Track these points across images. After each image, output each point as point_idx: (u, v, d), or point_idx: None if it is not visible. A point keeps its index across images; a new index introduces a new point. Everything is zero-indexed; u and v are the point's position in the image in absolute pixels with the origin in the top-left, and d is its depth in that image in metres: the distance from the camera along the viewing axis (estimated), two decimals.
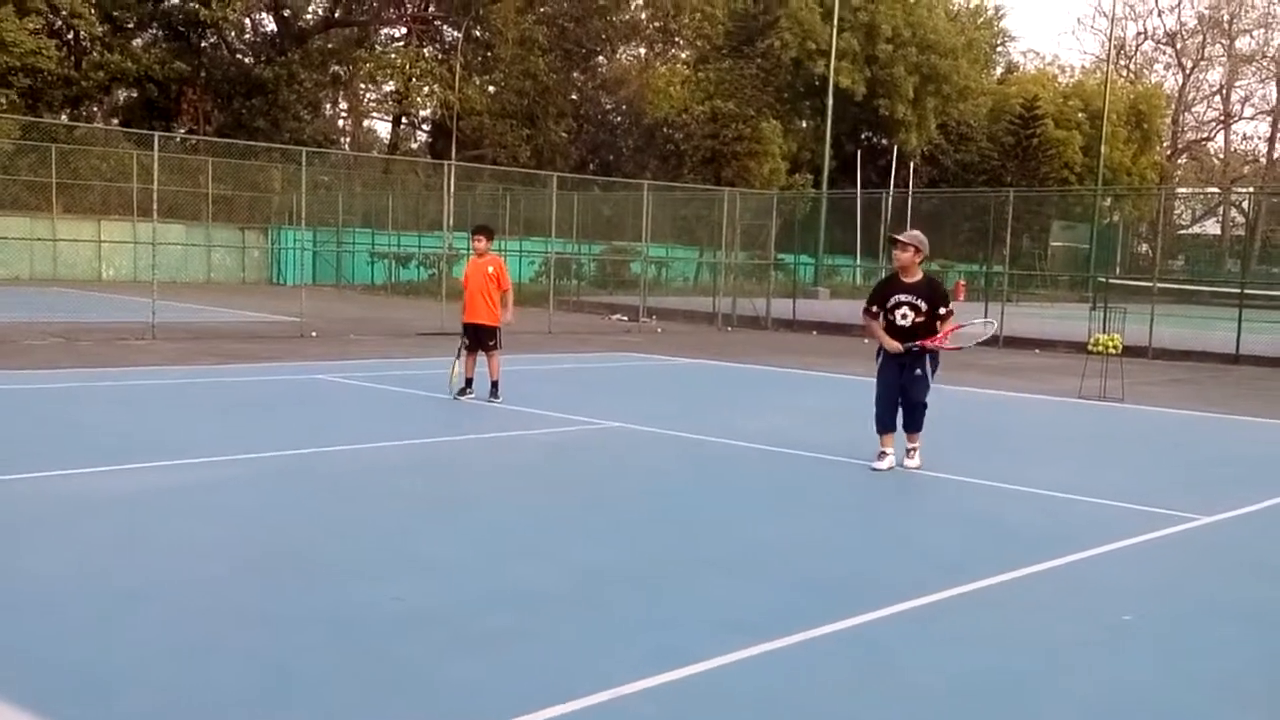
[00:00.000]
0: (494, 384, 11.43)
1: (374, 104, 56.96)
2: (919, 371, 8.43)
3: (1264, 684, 4.51)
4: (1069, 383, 14.74)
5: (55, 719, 3.66)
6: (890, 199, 32.93)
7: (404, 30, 52.99)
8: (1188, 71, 74.91)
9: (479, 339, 11.53)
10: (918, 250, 8.37)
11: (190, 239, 34.10)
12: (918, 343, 8.37)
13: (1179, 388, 15.71)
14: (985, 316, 8.49)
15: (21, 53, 37.07)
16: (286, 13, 47.87)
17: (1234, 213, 59.98)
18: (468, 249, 37.44)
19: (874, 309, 8.62)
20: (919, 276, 8.46)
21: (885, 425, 8.60)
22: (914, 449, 8.56)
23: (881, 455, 8.54)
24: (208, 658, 4.25)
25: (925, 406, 8.53)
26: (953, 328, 8.49)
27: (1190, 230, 60.16)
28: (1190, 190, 67.70)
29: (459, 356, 11.67)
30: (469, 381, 11.52)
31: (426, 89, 49.98)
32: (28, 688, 3.88)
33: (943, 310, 8.36)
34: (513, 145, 47.69)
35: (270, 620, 4.70)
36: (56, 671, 4.06)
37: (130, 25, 44.57)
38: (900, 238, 8.49)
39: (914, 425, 8.58)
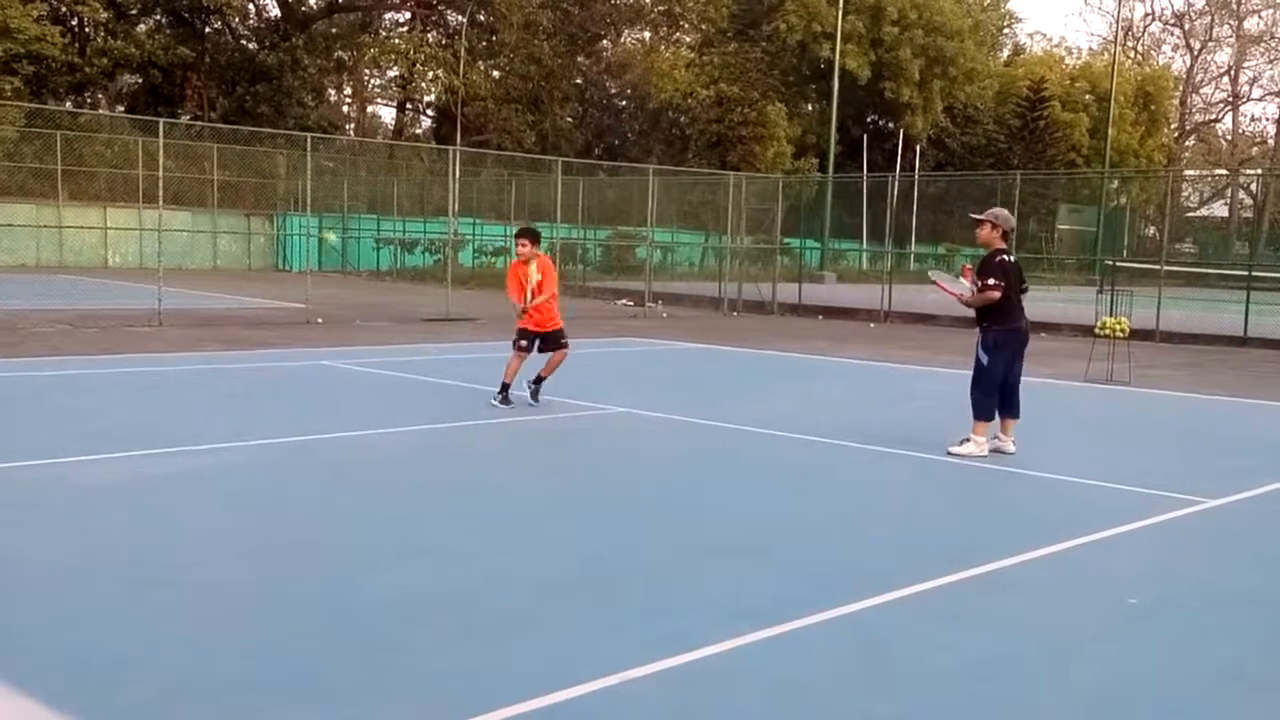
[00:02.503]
0: (540, 379, 10.41)
1: (378, 90, 56.92)
2: (977, 353, 8.59)
3: (1269, 668, 4.50)
4: (1076, 366, 14.71)
5: (58, 704, 3.67)
6: (896, 182, 32.82)
7: (408, 15, 52.84)
8: (1195, 53, 74.47)
9: (548, 343, 10.51)
10: (994, 225, 8.49)
11: (196, 225, 34.11)
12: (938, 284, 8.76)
13: (1186, 371, 15.66)
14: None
15: (26, 39, 37.02)
16: None
17: (1242, 195, 59.69)
18: (473, 234, 37.16)
19: None
20: (987, 251, 8.58)
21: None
22: (966, 438, 8.47)
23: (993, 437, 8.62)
24: (211, 644, 4.25)
25: (977, 389, 8.49)
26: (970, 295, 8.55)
27: (1198, 213, 59.91)
28: (1198, 172, 67.38)
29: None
30: (505, 388, 10.29)
31: (431, 74, 49.88)
32: (31, 673, 3.89)
33: (979, 283, 8.45)
34: (517, 130, 47.61)
35: (274, 607, 4.71)
36: (60, 657, 4.07)
37: (134, 11, 44.50)
38: (976, 215, 8.66)
39: (971, 405, 8.59)
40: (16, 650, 4.14)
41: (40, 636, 4.28)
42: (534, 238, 10.72)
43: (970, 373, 8.76)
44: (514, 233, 10.92)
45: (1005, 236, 8.53)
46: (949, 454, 8.45)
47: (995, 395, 8.49)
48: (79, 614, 4.54)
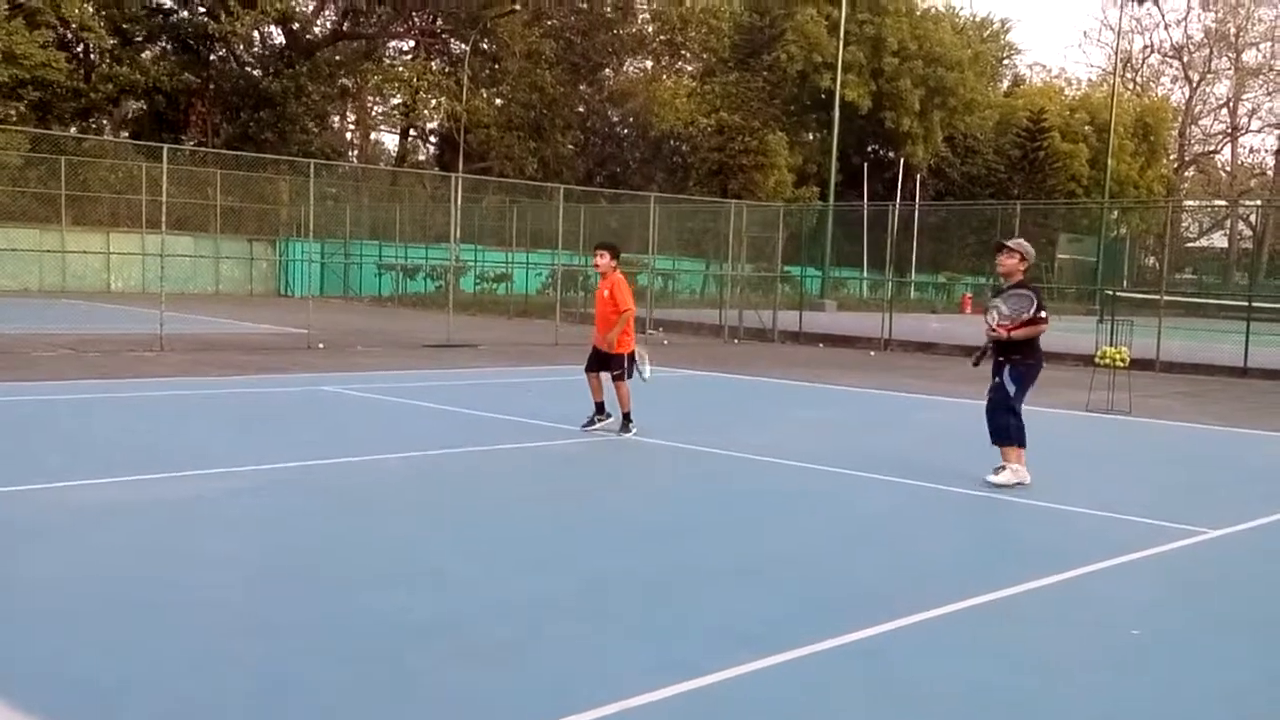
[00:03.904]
0: (624, 415, 10.31)
1: (381, 116, 57.21)
2: (998, 380, 8.48)
3: (1270, 700, 4.49)
4: (1076, 396, 14.72)
5: None
6: (896, 211, 32.91)
7: (412, 43, 53.22)
8: (1194, 84, 74.92)
9: (602, 364, 10.44)
10: (1023, 258, 8.46)
11: (199, 251, 34.21)
12: (989, 338, 8.45)
13: (1186, 401, 15.67)
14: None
15: (31, 65, 37.26)
16: (295, 25, 48.10)
17: (1241, 225, 59.88)
18: (475, 260, 37.32)
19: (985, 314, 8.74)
20: (1015, 281, 8.49)
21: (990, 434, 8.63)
22: (1001, 466, 8.40)
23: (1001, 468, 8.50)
24: (214, 667, 4.26)
25: (1006, 417, 8.37)
26: (1013, 325, 8.31)
27: (1197, 243, 60.09)
28: (1197, 203, 67.62)
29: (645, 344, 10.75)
30: (599, 406, 10.46)
31: (434, 101, 50.16)
32: (35, 696, 3.89)
33: (1025, 316, 8.24)
34: (519, 158, 47.83)
35: (277, 631, 4.71)
36: (64, 680, 4.07)
37: (139, 38, 44.81)
38: (1006, 243, 8.58)
39: (993, 436, 8.49)
40: (20, 673, 4.13)
41: (43, 659, 4.28)
42: (612, 251, 10.52)
43: (982, 402, 8.71)
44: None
45: (1025, 270, 8.57)
46: (986, 482, 8.33)
47: (1020, 417, 8.48)
48: (83, 637, 4.54)
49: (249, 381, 13.64)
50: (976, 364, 8.86)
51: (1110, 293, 28.91)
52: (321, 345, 18.54)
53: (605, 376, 10.44)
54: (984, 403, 8.65)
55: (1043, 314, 8.27)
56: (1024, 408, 8.61)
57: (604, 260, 10.40)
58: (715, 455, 9.60)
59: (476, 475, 8.58)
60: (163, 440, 9.37)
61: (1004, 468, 8.39)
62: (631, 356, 10.46)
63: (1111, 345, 14.95)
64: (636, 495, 8.20)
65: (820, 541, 6.83)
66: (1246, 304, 24.27)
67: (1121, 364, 14.09)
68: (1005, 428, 8.42)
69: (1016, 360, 8.43)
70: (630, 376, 10.44)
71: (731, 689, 4.23)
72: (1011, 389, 8.41)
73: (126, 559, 5.75)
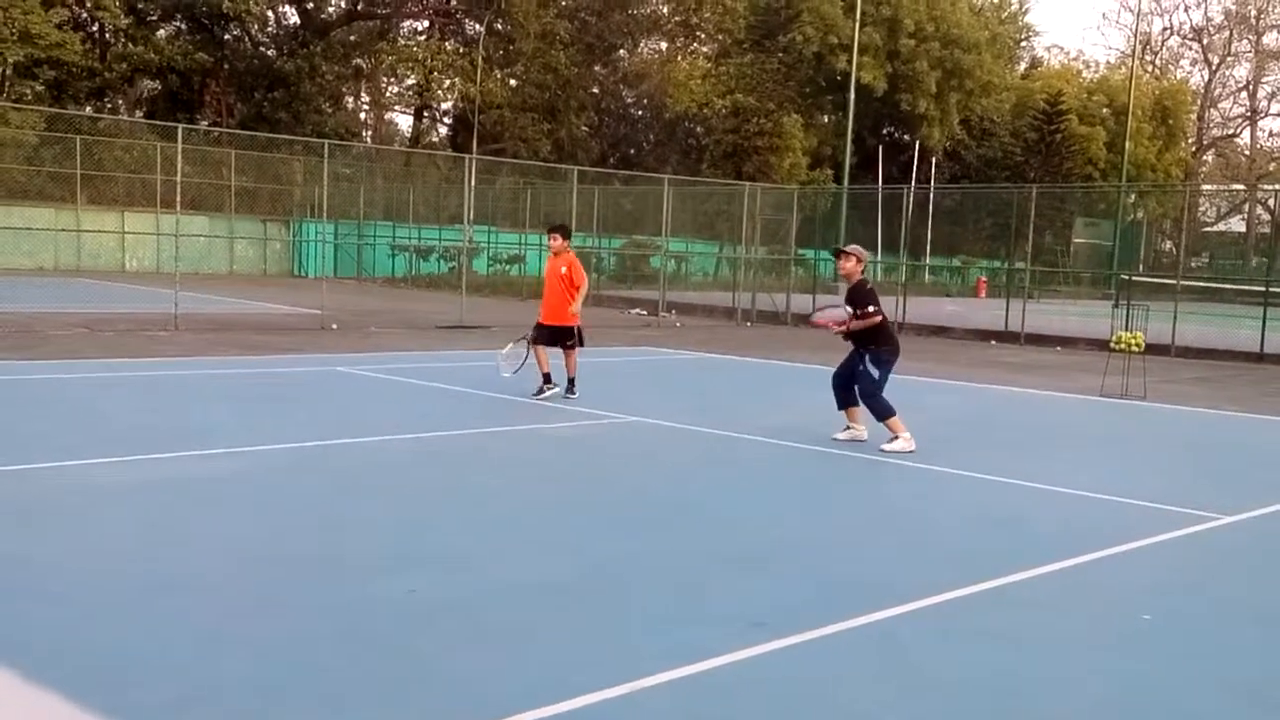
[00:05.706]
0: (570, 380, 11.29)
1: (395, 97, 57.17)
2: (860, 368, 9.41)
3: None
4: (1091, 380, 14.65)
5: (76, 702, 3.69)
6: (911, 194, 32.68)
7: (426, 23, 53.12)
8: (1214, 67, 74.25)
9: (555, 339, 11.25)
10: (859, 260, 9.47)
11: (213, 231, 34.27)
12: (816, 321, 9.87)
13: (1202, 386, 15.58)
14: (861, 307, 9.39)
15: (46, 45, 37.32)
16: (309, 5, 48.04)
17: (1260, 210, 59.42)
18: (488, 241, 37.27)
19: None
20: (854, 281, 9.51)
21: (837, 402, 9.68)
22: (894, 436, 9.20)
23: (846, 428, 9.66)
24: (223, 647, 4.27)
25: (871, 398, 9.30)
26: (842, 319, 9.40)
27: (1215, 227, 59.61)
28: (1216, 187, 67.07)
29: (517, 342, 11.70)
30: (547, 377, 11.20)
31: (448, 82, 50.10)
32: (49, 671, 3.91)
33: (859, 311, 9.27)
34: (533, 139, 47.75)
35: (285, 611, 4.72)
36: (77, 657, 4.09)
37: (154, 17, 44.84)
38: (844, 249, 9.61)
39: (872, 415, 9.35)
40: (35, 649, 4.15)
41: (59, 636, 4.30)
42: (565, 233, 11.44)
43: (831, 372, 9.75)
44: (547, 228, 11.88)
45: (862, 270, 9.55)
46: (882, 451, 9.01)
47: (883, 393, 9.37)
48: (95, 615, 4.57)
49: (262, 362, 13.68)
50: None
51: (1126, 277, 28.73)
52: (335, 326, 18.58)
53: (553, 348, 11.29)
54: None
55: (871, 309, 9.28)
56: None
57: (557, 242, 11.31)
58: (726, 438, 9.59)
59: (486, 457, 8.59)
60: (175, 420, 9.41)
61: (895, 438, 9.14)
62: (580, 329, 11.35)
63: (1127, 330, 14.86)
64: (647, 478, 8.19)
65: (830, 524, 6.82)
66: (1264, 289, 24.09)
67: (1137, 349, 14.01)
68: (882, 409, 9.26)
69: (873, 349, 9.36)
70: (583, 345, 11.40)
71: (741, 672, 4.23)
72: (876, 373, 9.35)
73: (136, 538, 5.77)
